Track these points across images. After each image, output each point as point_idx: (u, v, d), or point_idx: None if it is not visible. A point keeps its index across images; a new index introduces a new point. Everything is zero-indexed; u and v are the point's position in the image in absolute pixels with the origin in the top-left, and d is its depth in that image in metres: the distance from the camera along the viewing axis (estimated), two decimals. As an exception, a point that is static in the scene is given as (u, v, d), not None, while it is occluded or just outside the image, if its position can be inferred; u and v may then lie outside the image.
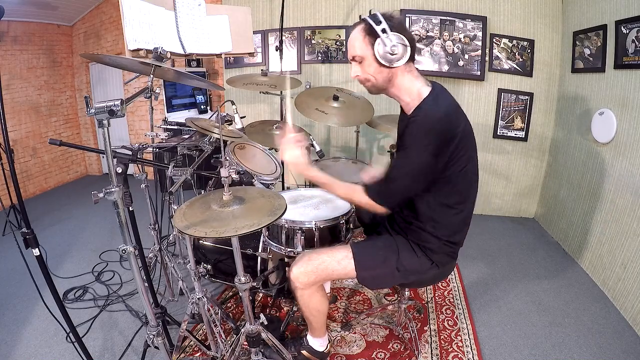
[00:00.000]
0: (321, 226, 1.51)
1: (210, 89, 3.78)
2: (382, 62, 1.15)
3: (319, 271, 1.35)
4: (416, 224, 1.31)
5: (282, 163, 2.55)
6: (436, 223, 1.28)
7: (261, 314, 1.44)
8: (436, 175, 1.18)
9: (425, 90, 1.21)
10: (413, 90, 1.22)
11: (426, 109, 1.17)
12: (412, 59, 1.19)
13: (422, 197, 1.29)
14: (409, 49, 1.14)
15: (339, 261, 1.35)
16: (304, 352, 1.58)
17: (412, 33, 1.23)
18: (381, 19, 1.11)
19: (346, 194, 1.31)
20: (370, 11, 1.16)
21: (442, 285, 2.23)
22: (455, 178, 1.21)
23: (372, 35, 1.14)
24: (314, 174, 1.29)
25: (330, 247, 1.45)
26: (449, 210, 1.26)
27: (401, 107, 1.32)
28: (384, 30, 1.11)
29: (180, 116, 3.38)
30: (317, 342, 1.58)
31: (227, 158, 1.96)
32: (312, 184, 2.16)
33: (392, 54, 1.13)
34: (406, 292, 1.72)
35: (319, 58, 3.32)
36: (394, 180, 1.21)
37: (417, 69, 1.24)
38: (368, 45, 1.15)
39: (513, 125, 3.06)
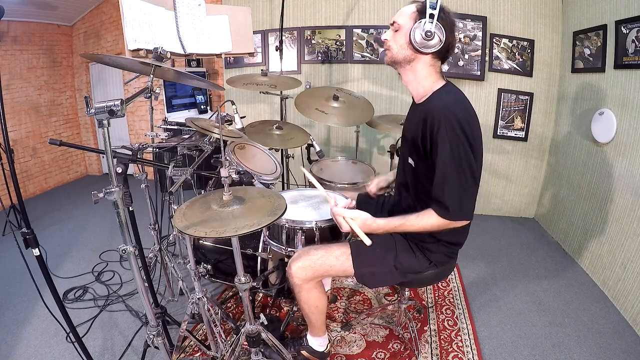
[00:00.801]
0: (322, 226, 1.51)
1: (210, 89, 3.78)
2: (412, 41, 1.16)
3: (316, 266, 1.35)
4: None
5: (283, 163, 2.56)
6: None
7: (261, 314, 1.44)
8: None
9: (440, 84, 1.23)
10: (427, 84, 1.24)
11: (441, 99, 1.19)
12: (441, 57, 1.21)
13: (421, 197, 1.29)
14: (441, 45, 1.15)
15: (337, 257, 1.35)
16: (303, 352, 1.58)
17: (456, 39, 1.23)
18: (437, 7, 1.12)
19: (419, 225, 1.21)
20: None
21: (442, 285, 2.23)
22: None
23: (420, 14, 1.15)
24: (382, 223, 1.26)
25: (329, 243, 1.45)
26: None
27: (412, 95, 1.34)
28: (431, 16, 1.12)
29: (180, 116, 3.38)
30: (317, 342, 1.58)
31: (227, 158, 1.96)
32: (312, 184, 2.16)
33: (424, 39, 1.14)
34: (406, 292, 1.72)
35: (319, 58, 3.32)
36: (454, 187, 1.13)
37: (442, 72, 1.26)
38: (411, 20, 1.17)
39: (513, 125, 3.06)
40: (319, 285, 1.44)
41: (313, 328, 1.55)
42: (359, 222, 1.26)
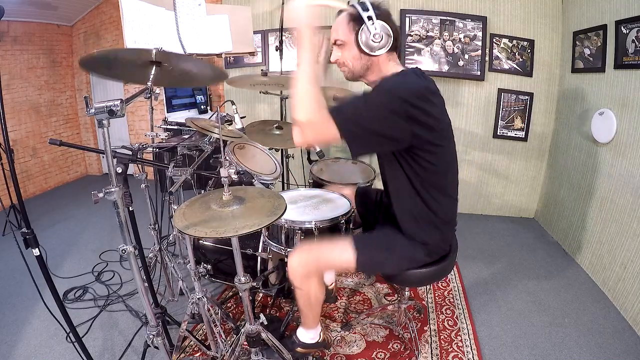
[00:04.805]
0: (321, 226, 1.51)
1: (209, 89, 3.78)
2: (364, 49, 1.16)
3: (319, 258, 1.35)
4: (404, 215, 1.33)
5: (283, 163, 2.56)
6: (422, 216, 1.28)
7: (261, 314, 1.44)
8: (396, 146, 1.14)
9: (399, 70, 1.22)
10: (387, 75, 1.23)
11: (389, 78, 1.18)
12: (394, 49, 1.19)
13: (406, 189, 1.27)
14: (391, 39, 1.15)
15: (339, 248, 1.35)
16: (299, 349, 1.56)
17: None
18: (369, 6, 1.12)
19: (303, 92, 1.05)
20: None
21: (442, 285, 2.23)
22: (431, 164, 1.19)
23: (356, 21, 1.15)
24: (309, 38, 1.05)
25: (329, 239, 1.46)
26: (433, 201, 1.26)
27: None
28: (369, 18, 1.12)
29: (180, 116, 3.37)
30: (310, 335, 1.55)
31: (227, 158, 1.96)
32: (313, 184, 2.16)
33: (374, 42, 1.14)
34: (406, 292, 1.72)
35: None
36: (340, 112, 1.06)
37: (399, 58, 1.25)
38: (351, 31, 1.17)
39: (513, 125, 3.06)
40: (320, 278, 1.43)
41: (308, 321, 1.53)
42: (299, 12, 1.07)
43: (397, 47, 1.22)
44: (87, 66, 1.21)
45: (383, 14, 1.14)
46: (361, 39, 1.14)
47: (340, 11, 1.20)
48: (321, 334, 1.60)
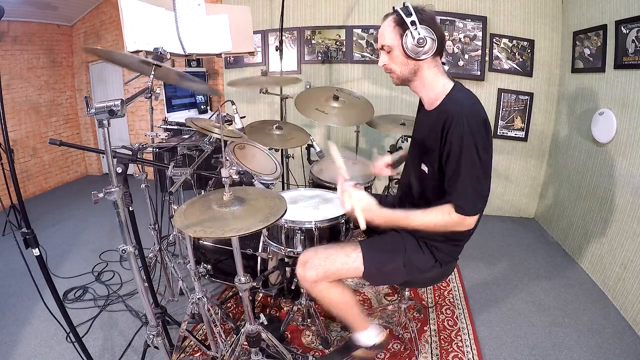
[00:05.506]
0: (321, 226, 1.51)
1: (210, 93, 3.78)
2: (409, 53, 1.16)
3: (327, 264, 1.31)
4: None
5: (283, 163, 2.56)
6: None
7: (261, 314, 1.44)
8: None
9: (450, 85, 1.22)
10: (438, 85, 1.23)
11: (457, 101, 1.18)
12: (439, 53, 1.20)
13: (428, 199, 1.28)
14: (436, 43, 1.15)
15: (347, 254, 1.32)
16: (358, 352, 1.50)
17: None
18: (412, 11, 1.13)
19: (425, 221, 1.18)
20: (403, 3, 1.17)
21: (442, 285, 2.23)
22: None
23: (401, 26, 1.15)
24: (387, 213, 1.21)
25: (337, 243, 1.44)
26: None
27: (420, 103, 1.33)
28: (413, 23, 1.12)
29: (180, 116, 3.38)
30: (366, 336, 1.49)
31: (228, 158, 1.95)
32: (312, 184, 2.16)
33: (418, 47, 1.14)
34: (406, 292, 1.72)
35: (319, 58, 3.32)
36: (474, 184, 1.13)
37: (443, 64, 1.25)
38: (397, 35, 1.17)
39: (513, 125, 3.06)
40: (337, 283, 1.38)
41: (353, 325, 1.48)
42: (364, 204, 1.19)
43: (442, 52, 1.22)
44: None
45: (427, 19, 1.14)
46: (406, 44, 1.15)
47: (386, 16, 1.21)
48: (382, 334, 1.51)
